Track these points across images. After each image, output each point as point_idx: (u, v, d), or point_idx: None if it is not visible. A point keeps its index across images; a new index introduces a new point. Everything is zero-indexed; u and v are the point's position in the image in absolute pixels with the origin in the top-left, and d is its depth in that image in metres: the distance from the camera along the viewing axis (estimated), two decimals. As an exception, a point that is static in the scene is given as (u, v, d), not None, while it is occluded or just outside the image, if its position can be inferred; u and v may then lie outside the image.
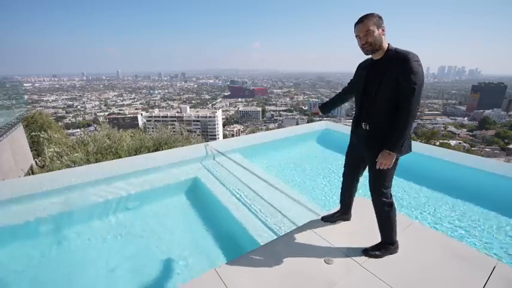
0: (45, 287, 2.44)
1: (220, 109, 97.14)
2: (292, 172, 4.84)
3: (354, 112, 2.32)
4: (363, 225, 2.33)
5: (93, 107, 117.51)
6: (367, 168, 2.02)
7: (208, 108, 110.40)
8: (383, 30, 1.74)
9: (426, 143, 11.40)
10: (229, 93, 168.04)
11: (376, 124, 1.85)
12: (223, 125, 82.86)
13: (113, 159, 5.31)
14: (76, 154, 5.41)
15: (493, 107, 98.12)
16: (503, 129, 68.08)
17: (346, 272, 1.84)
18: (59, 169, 4.88)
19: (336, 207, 2.55)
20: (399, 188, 3.95)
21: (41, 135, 7.42)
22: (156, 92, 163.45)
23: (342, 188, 2.34)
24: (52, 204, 3.21)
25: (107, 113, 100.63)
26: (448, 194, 3.81)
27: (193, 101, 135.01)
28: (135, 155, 5.64)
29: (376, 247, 2.03)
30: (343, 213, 2.41)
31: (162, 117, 70.68)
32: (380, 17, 1.74)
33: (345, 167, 2.27)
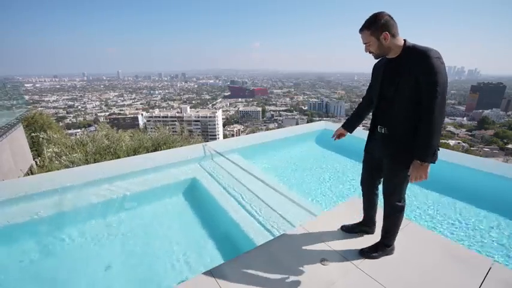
0: (44, 286, 2.44)
1: (221, 109, 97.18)
2: (290, 172, 4.84)
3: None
4: (360, 226, 2.32)
5: (93, 107, 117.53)
6: None
7: (208, 108, 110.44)
8: (389, 35, 1.59)
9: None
10: (229, 93, 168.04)
11: (394, 127, 1.73)
12: (224, 125, 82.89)
13: (111, 159, 5.32)
14: (75, 154, 5.41)
15: (492, 107, 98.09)
16: (502, 129, 68.07)
17: (343, 274, 1.84)
18: (58, 169, 4.89)
19: (334, 206, 2.54)
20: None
21: (41, 136, 7.43)
22: (157, 92, 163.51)
23: (362, 198, 2.19)
24: (49, 205, 3.21)
25: (107, 113, 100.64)
26: (446, 194, 3.81)
27: (193, 101, 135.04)
28: (133, 155, 5.64)
29: (373, 248, 2.02)
30: (365, 225, 2.23)
31: (163, 117, 70.70)
32: (383, 23, 1.58)
33: (362, 174, 2.13)
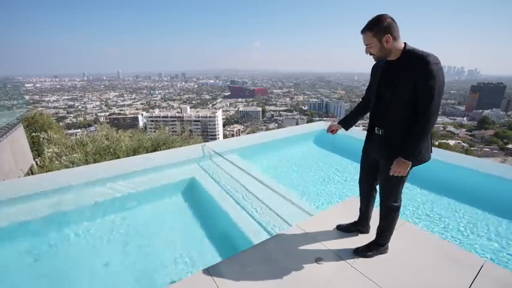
0: (43, 284, 2.47)
1: (221, 109, 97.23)
2: (288, 172, 4.87)
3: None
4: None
5: (94, 107, 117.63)
6: None
7: (208, 108, 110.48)
8: (391, 37, 1.60)
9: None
10: (229, 93, 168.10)
11: (390, 129, 1.77)
12: (224, 125, 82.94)
13: (111, 159, 5.35)
14: (75, 155, 5.45)
15: (492, 107, 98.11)
16: (502, 129, 68.08)
17: (337, 273, 1.88)
18: (58, 169, 4.92)
19: (330, 206, 2.57)
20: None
21: (41, 136, 7.47)
22: (157, 92, 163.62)
23: (360, 197, 2.22)
24: (48, 205, 3.24)
25: (107, 113, 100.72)
26: (443, 195, 3.85)
27: (193, 101, 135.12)
28: (133, 155, 5.67)
29: (367, 247, 2.05)
30: (360, 224, 2.26)
31: (163, 117, 70.75)
32: (386, 25, 1.59)
33: (360, 174, 2.16)
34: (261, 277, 1.84)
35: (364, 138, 2.05)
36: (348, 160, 5.26)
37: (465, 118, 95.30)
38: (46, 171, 5.07)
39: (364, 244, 2.07)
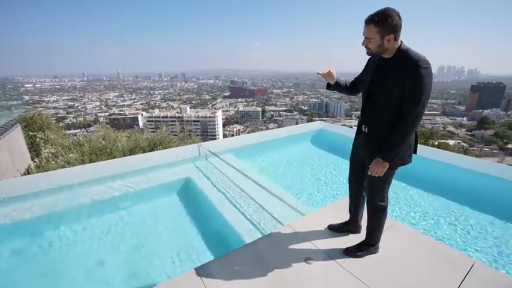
0: (36, 284, 2.47)
1: (220, 109, 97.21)
2: (284, 172, 4.87)
3: (353, 112, 2.17)
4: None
5: (93, 107, 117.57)
6: None
7: (208, 108, 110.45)
8: (392, 38, 1.55)
9: (425, 142, 11.42)
10: (229, 93, 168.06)
11: (375, 127, 1.78)
12: (223, 125, 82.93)
13: (107, 159, 5.35)
14: (71, 155, 5.45)
15: (492, 107, 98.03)
16: (502, 129, 68.06)
17: (325, 273, 1.87)
18: (54, 169, 4.92)
19: (322, 206, 2.57)
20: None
21: (38, 136, 7.46)
22: (157, 92, 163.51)
23: (349, 197, 2.20)
24: (41, 204, 3.24)
25: (107, 114, 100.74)
26: (439, 195, 3.84)
27: (193, 101, 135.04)
28: (129, 155, 5.67)
29: (357, 247, 2.05)
30: (351, 224, 2.25)
31: (163, 117, 70.73)
32: (394, 25, 1.52)
33: (349, 173, 2.15)
34: (249, 277, 1.84)
35: None
36: (344, 160, 5.25)
37: (465, 118, 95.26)
38: (42, 171, 5.07)
39: (355, 244, 2.07)
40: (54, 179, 3.69)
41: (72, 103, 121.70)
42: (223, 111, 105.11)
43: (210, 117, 72.07)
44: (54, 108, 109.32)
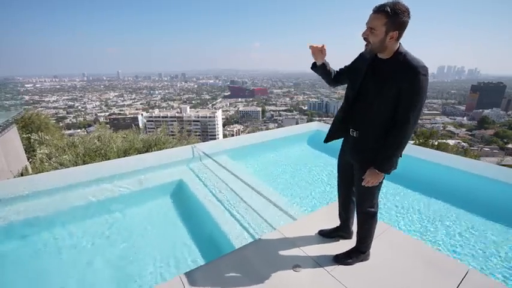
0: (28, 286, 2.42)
1: (220, 109, 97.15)
2: (279, 174, 4.80)
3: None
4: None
5: (93, 107, 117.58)
6: None
7: (208, 108, 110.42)
8: (396, 36, 1.45)
9: (425, 142, 11.36)
10: (229, 93, 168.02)
11: (366, 131, 1.68)
12: (223, 125, 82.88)
13: (101, 161, 5.29)
14: (65, 156, 5.39)
15: (492, 107, 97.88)
16: (502, 129, 67.94)
17: (313, 281, 1.81)
18: (47, 171, 4.87)
19: (314, 210, 2.51)
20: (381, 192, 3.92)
21: (32, 137, 7.40)
22: (157, 92, 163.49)
23: (338, 202, 2.13)
24: (32, 206, 3.19)
25: (107, 114, 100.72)
26: (434, 198, 3.78)
27: (193, 101, 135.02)
28: (124, 156, 5.61)
29: (347, 254, 1.99)
30: (342, 230, 2.19)
31: (162, 117, 70.67)
32: (402, 21, 1.42)
33: (338, 176, 2.07)
34: (234, 285, 1.78)
35: None
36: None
37: (465, 118, 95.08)
38: (36, 173, 5.01)
39: (344, 251, 2.01)
40: (46, 181, 3.64)
41: (72, 103, 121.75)
42: (223, 111, 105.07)
43: (210, 117, 72.01)
44: (54, 108, 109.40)
